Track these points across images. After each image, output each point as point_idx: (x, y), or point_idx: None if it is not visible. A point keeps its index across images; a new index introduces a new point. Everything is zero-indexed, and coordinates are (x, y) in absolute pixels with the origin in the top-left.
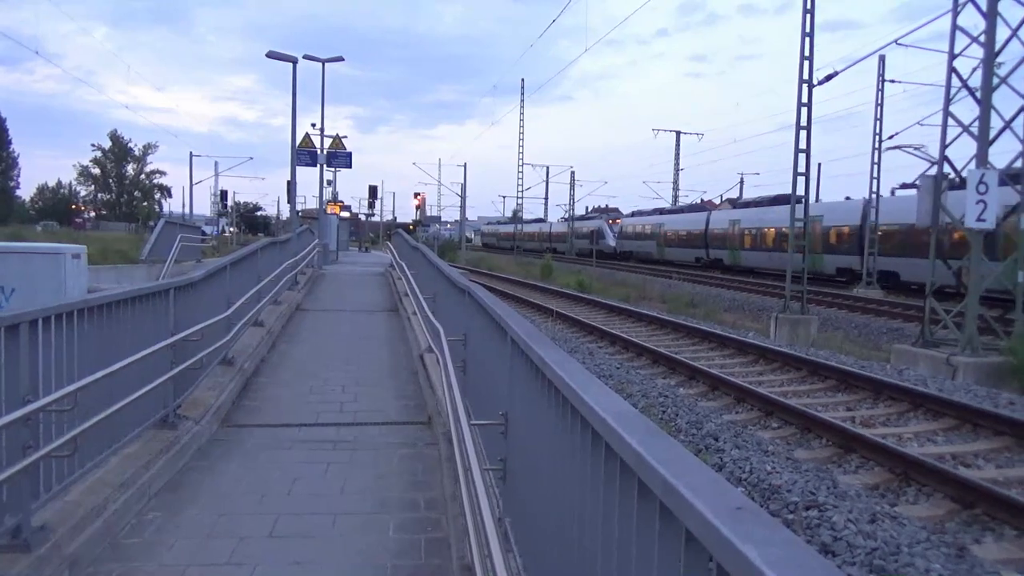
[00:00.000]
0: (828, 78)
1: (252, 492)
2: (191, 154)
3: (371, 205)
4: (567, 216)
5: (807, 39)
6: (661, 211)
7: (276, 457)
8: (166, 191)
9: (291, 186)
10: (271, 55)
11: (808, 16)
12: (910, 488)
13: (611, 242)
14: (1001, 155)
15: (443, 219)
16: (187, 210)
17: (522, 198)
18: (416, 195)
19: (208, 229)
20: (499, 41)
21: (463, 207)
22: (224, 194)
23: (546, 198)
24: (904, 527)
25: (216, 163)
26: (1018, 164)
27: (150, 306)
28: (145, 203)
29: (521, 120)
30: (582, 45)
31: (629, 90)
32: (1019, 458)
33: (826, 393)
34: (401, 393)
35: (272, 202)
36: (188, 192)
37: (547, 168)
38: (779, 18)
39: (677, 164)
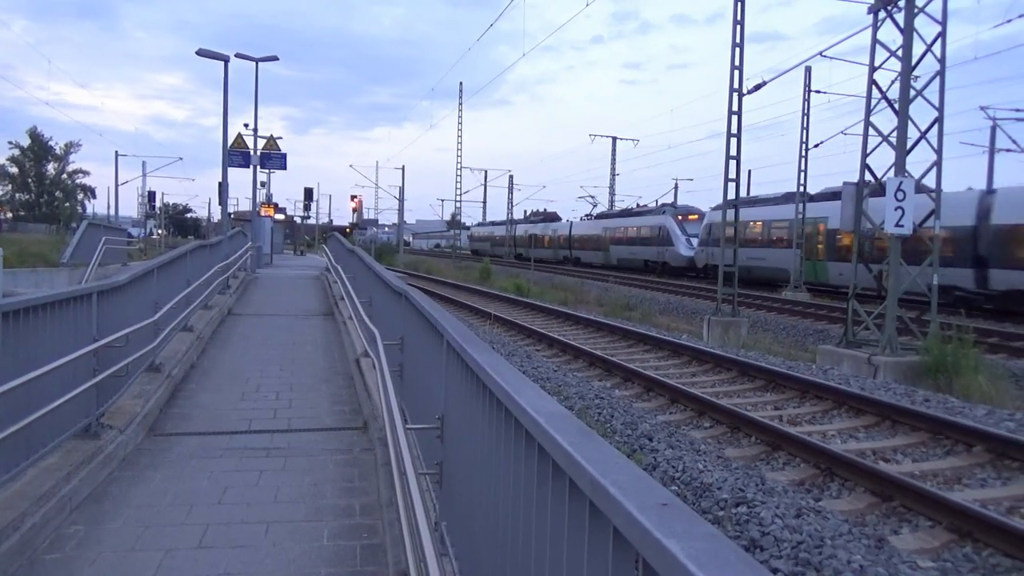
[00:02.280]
0: (757, 87)
1: (180, 502)
2: (116, 153)
3: (307, 208)
4: (595, 210)
5: (737, 49)
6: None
7: (206, 466)
8: (90, 192)
9: (223, 187)
10: (201, 53)
11: (738, 27)
12: (833, 483)
13: (684, 250)
14: (919, 164)
15: (380, 222)
16: (112, 212)
17: (460, 201)
18: (353, 198)
19: (134, 231)
20: (437, 44)
21: (401, 210)
22: (152, 195)
23: (484, 201)
24: (828, 521)
25: (143, 163)
26: (932, 173)
27: (71, 311)
28: (67, 204)
29: (459, 123)
30: (520, 50)
31: (566, 95)
32: (934, 452)
33: (755, 393)
34: (336, 398)
35: (203, 204)
36: (113, 193)
37: (485, 172)
38: (710, 28)
39: (613, 169)
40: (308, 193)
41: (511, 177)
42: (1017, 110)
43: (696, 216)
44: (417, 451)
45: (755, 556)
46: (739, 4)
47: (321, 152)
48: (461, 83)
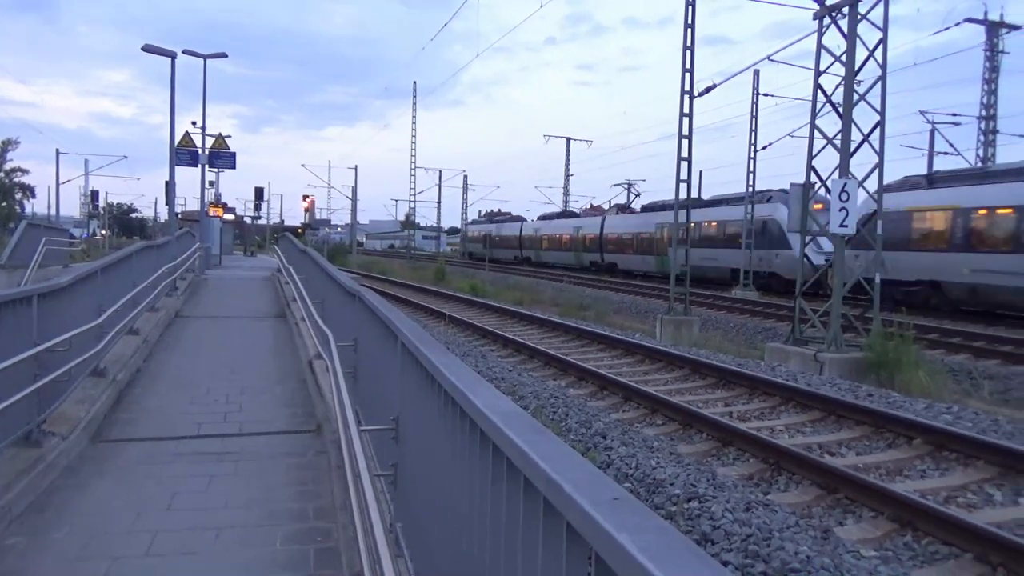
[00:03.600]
0: (707, 90)
1: (127, 510)
2: (57, 151)
3: (257, 208)
4: (636, 201)
5: (688, 52)
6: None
7: (154, 472)
8: (29, 191)
9: (170, 187)
10: (148, 49)
11: (689, 30)
12: (781, 477)
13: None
14: (862, 166)
15: (333, 222)
16: (53, 211)
17: (415, 202)
18: (305, 198)
19: (77, 232)
20: (391, 43)
21: (354, 210)
22: (95, 195)
23: (439, 202)
24: (776, 513)
25: (86, 161)
26: (874, 176)
27: (10, 314)
28: (4, 203)
29: (413, 123)
30: (474, 50)
31: (520, 96)
32: (876, 445)
33: (707, 390)
34: (289, 401)
35: (149, 204)
36: (54, 192)
37: (440, 172)
38: (661, 32)
39: (568, 170)
40: (259, 193)
41: (465, 177)
42: (954, 115)
43: (820, 205)
44: (371, 453)
45: (706, 549)
46: (690, 8)
47: (272, 151)
48: (415, 83)
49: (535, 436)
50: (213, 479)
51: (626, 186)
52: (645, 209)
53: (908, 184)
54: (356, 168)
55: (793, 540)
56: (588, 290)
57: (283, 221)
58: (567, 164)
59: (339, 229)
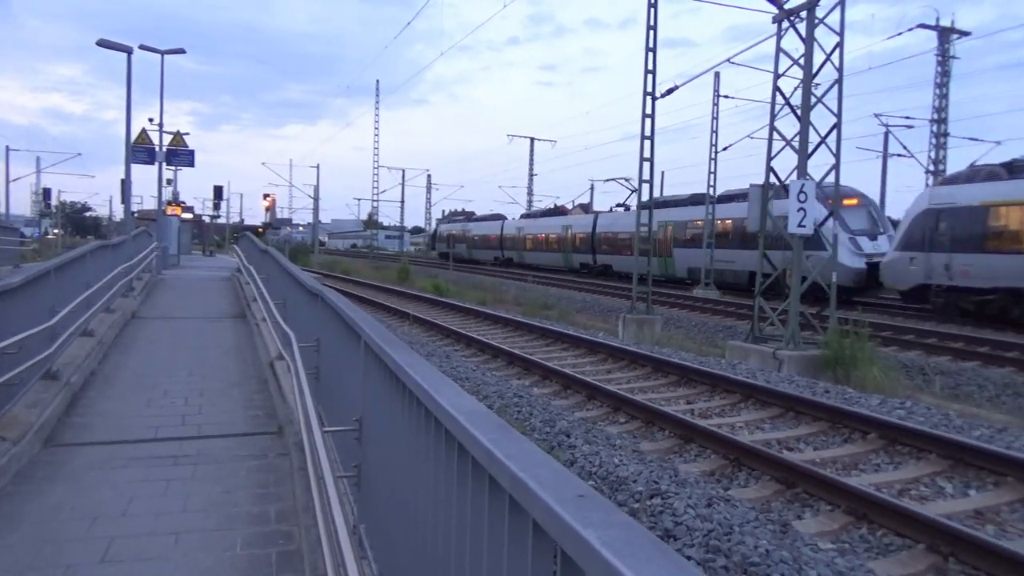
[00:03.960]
0: (669, 91)
1: (82, 516)
2: (7, 148)
3: (216, 207)
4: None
5: (650, 54)
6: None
7: (109, 477)
8: None
9: (126, 185)
10: (102, 43)
11: (651, 32)
12: (742, 473)
13: (849, 258)
14: (820, 167)
15: (295, 221)
16: (3, 210)
17: (378, 201)
18: (265, 196)
19: (28, 231)
20: (352, 41)
21: (316, 209)
22: (47, 193)
23: (402, 201)
24: (736, 509)
25: (38, 159)
26: (831, 177)
27: None
28: None
29: (376, 122)
30: (437, 49)
31: (484, 96)
32: (833, 440)
33: (669, 388)
34: (249, 403)
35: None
36: (4, 190)
37: (403, 171)
38: (623, 33)
39: (531, 169)
40: (218, 191)
41: (429, 176)
42: (907, 117)
43: (856, 200)
44: (334, 454)
45: (669, 545)
46: (652, 10)
47: (231, 149)
48: (378, 81)
49: (500, 435)
50: (171, 483)
51: (590, 187)
52: (661, 206)
53: (982, 174)
54: (318, 167)
55: (753, 534)
56: (552, 289)
57: (243, 220)
58: (531, 164)
59: (301, 228)
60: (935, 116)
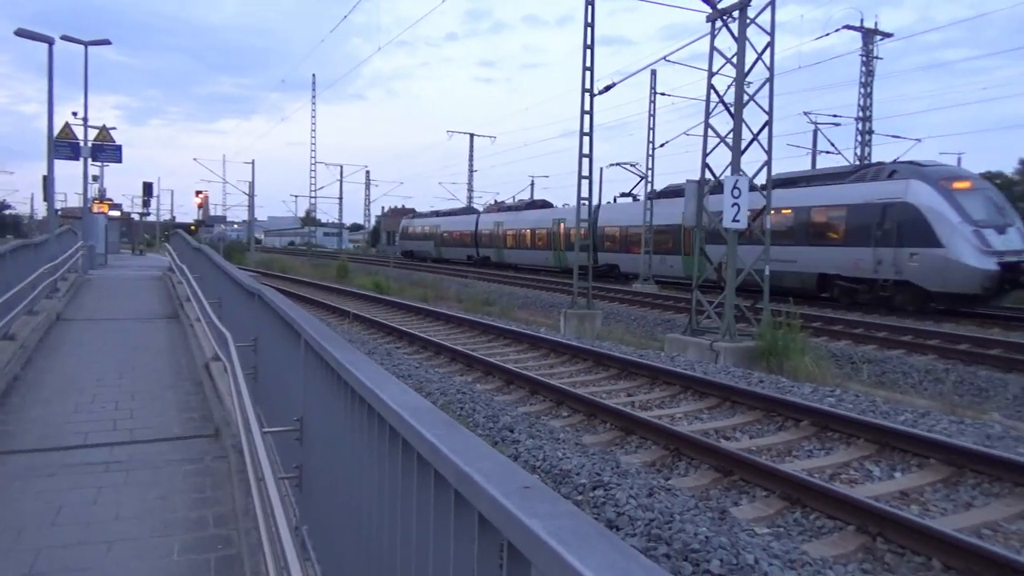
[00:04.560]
0: (607, 88)
1: (6, 528)
2: None
3: (146, 204)
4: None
5: (588, 51)
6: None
7: (35, 486)
8: None
9: (48, 182)
10: (21, 33)
11: (588, 30)
12: (681, 462)
13: (970, 257)
14: (753, 163)
15: (229, 219)
16: None
17: (315, 197)
18: (198, 193)
19: None
20: (286, 35)
21: (251, 206)
22: None
23: (340, 197)
24: (677, 497)
25: None
26: (763, 173)
27: None
28: None
29: (313, 117)
30: (374, 44)
31: (422, 91)
32: (768, 428)
33: (610, 381)
34: (184, 406)
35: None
36: None
37: (341, 167)
38: (561, 30)
39: (471, 166)
40: (147, 188)
41: (368, 172)
42: (835, 116)
43: (968, 183)
44: (275, 455)
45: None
46: (589, 7)
47: (161, 145)
48: (314, 75)
49: (445, 430)
50: (102, 490)
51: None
52: (664, 195)
53: None
54: (253, 163)
55: (693, 522)
56: (493, 285)
57: (175, 218)
58: (471, 160)
59: (235, 226)
60: (860, 114)
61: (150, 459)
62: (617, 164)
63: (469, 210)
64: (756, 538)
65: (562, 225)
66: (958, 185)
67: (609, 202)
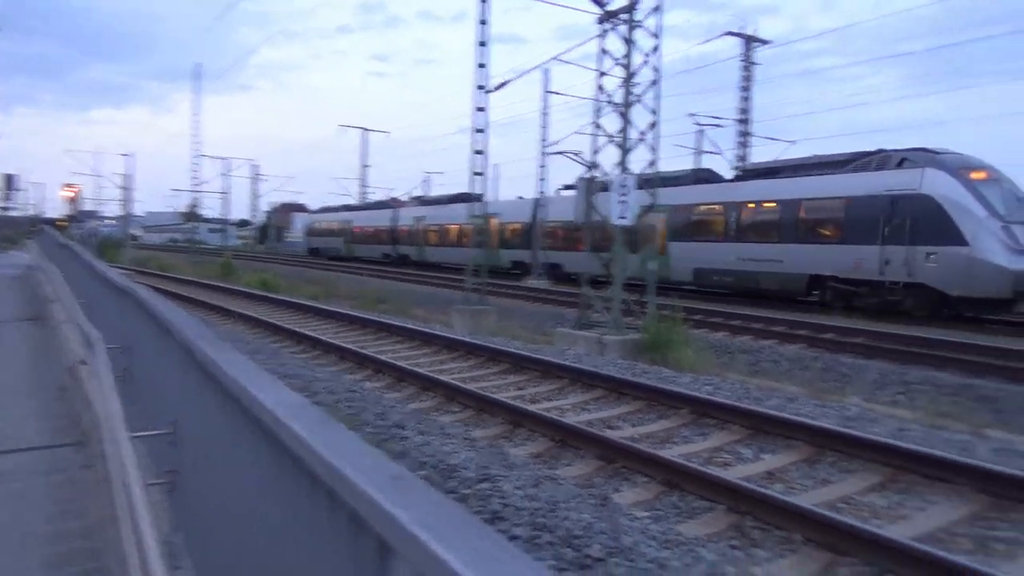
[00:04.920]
0: (501, 86)
1: None
2: None
3: (7, 197)
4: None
5: (481, 48)
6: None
7: None
8: None
9: None
10: None
11: (482, 26)
12: (567, 453)
13: (1000, 256)
14: (641, 163)
15: (104, 214)
16: None
17: (199, 192)
18: (69, 187)
19: None
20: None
21: (128, 200)
22: None
23: (226, 192)
24: (561, 486)
25: None
26: (649, 171)
27: None
28: None
29: (197, 108)
30: (264, 33)
31: (314, 84)
32: (650, 417)
33: (501, 376)
34: (46, 413)
35: None
36: None
37: (227, 160)
38: (455, 26)
39: (364, 161)
40: (10, 180)
41: (256, 166)
42: (717, 118)
43: (985, 173)
44: (147, 460)
45: (496, 526)
46: (483, 4)
47: (29, 135)
48: (199, 64)
49: (318, 426)
50: None
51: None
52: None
53: None
54: (130, 155)
55: (576, 509)
56: (389, 283)
57: (43, 213)
58: (364, 155)
59: (110, 222)
60: (740, 117)
61: (8, 471)
62: (560, 152)
63: (386, 204)
64: (635, 522)
65: (495, 221)
66: (976, 175)
67: (555, 193)
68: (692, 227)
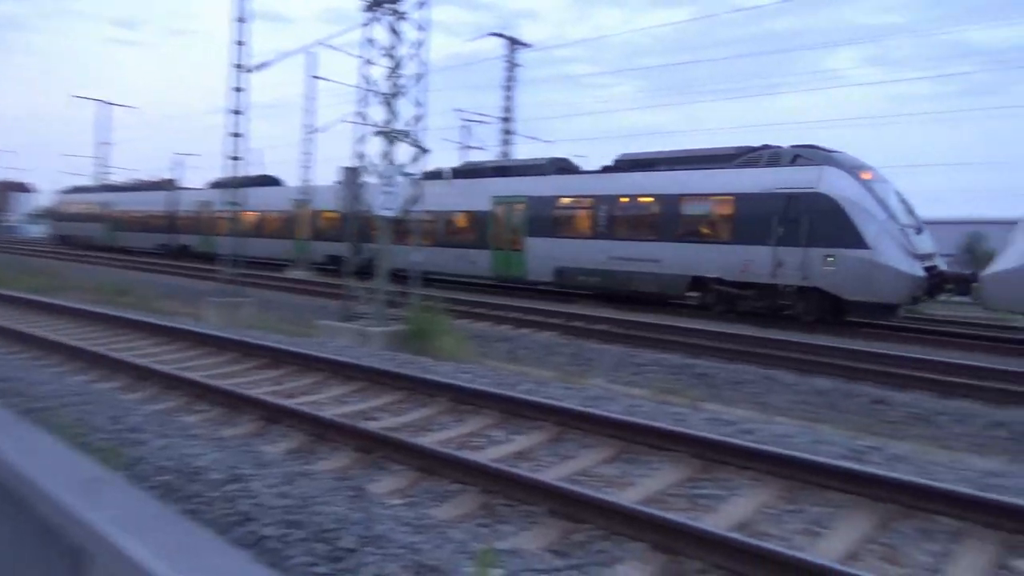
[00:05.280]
0: (261, 66)
1: None
2: None
3: None
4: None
5: (240, 24)
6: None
7: None
8: None
9: None
10: None
11: (242, 1)
12: (324, 447)
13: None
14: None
15: None
16: None
17: None
18: None
19: None
20: None
21: None
22: None
23: None
24: (316, 481)
25: None
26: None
27: None
28: None
29: None
30: None
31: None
32: (410, 407)
33: (257, 371)
34: None
35: None
36: None
37: None
38: None
39: (103, 138)
40: None
41: None
42: (482, 115)
43: (871, 174)
44: None
45: (245, 527)
46: None
47: None
48: None
49: (2, 430)
50: None
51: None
52: (466, 174)
53: None
54: None
55: (330, 503)
56: (131, 273)
57: None
58: (104, 131)
59: None
60: (504, 115)
61: None
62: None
63: (162, 185)
64: (390, 510)
65: (308, 207)
66: (864, 175)
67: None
68: (554, 222)
